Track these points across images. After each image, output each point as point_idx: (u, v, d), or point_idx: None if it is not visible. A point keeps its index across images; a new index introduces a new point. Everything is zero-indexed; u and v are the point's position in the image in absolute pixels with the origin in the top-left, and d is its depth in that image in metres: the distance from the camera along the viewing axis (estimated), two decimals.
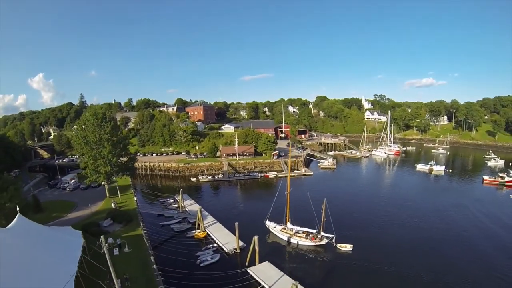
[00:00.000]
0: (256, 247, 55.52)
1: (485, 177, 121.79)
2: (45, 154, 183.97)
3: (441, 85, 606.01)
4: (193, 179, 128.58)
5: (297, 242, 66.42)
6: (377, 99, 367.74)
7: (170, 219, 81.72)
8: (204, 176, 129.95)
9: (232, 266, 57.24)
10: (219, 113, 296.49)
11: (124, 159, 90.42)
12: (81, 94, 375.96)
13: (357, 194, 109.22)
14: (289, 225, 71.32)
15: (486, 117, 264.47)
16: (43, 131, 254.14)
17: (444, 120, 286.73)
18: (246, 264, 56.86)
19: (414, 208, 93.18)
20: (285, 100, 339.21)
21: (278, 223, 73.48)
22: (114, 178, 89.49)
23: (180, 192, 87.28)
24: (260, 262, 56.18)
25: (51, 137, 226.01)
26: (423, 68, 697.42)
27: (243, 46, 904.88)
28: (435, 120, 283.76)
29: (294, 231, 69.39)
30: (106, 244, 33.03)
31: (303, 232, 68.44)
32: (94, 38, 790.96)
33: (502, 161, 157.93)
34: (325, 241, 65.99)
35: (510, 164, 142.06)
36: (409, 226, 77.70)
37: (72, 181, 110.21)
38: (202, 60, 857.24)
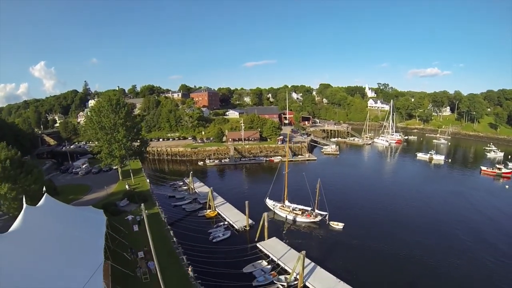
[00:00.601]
0: (266, 223, 60.15)
1: (483, 168, 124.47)
2: (51, 141, 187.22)
3: (446, 76, 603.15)
4: (201, 163, 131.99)
5: (294, 218, 71.80)
6: (381, 87, 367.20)
7: (181, 200, 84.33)
8: (211, 160, 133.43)
9: (242, 241, 61.50)
10: (223, 99, 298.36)
11: (136, 143, 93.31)
12: (85, 81, 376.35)
13: (357, 179, 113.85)
14: (287, 203, 76.93)
15: (489, 109, 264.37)
16: (49, 118, 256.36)
17: (447, 111, 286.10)
18: (256, 239, 60.71)
19: (410, 193, 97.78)
20: (289, 86, 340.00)
21: (277, 201, 78.89)
22: (128, 161, 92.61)
23: (190, 174, 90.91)
24: (268, 237, 60.76)
25: (57, 125, 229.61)
26: (428, 57, 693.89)
27: (246, 32, 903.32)
28: (438, 111, 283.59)
29: (291, 209, 74.65)
30: (146, 211, 36.62)
31: (300, 210, 73.93)
32: (95, 26, 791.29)
33: (502, 153, 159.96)
34: (319, 218, 71.52)
35: (510, 156, 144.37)
36: (402, 209, 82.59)
37: (83, 166, 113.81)
38: (204, 46, 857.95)
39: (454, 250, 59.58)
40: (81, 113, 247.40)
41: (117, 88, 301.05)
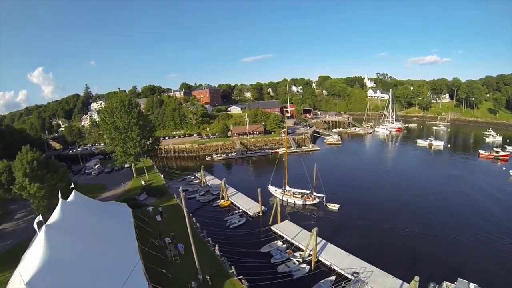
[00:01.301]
0: (278, 207, 64.41)
1: (481, 152, 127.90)
2: (57, 146, 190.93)
3: (445, 63, 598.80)
4: (208, 158, 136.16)
5: (294, 201, 77.60)
6: (380, 77, 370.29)
7: (195, 192, 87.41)
8: (218, 155, 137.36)
9: (257, 225, 66.43)
10: (224, 96, 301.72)
11: (149, 141, 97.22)
12: (86, 85, 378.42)
13: (357, 165, 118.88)
14: (287, 187, 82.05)
15: (488, 95, 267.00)
16: (53, 123, 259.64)
17: (446, 98, 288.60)
18: (269, 223, 65.28)
19: (408, 177, 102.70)
20: (288, 80, 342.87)
21: (279, 186, 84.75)
22: (142, 158, 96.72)
23: (202, 168, 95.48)
24: (281, 221, 65.39)
25: (61, 129, 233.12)
26: (428, 45, 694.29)
27: (243, 27, 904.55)
28: (437, 98, 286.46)
29: (291, 193, 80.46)
30: (184, 193, 41.68)
31: (299, 193, 79.62)
32: (91, 28, 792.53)
33: (500, 138, 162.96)
34: (317, 200, 77.22)
35: (508, 140, 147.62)
36: (400, 192, 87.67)
37: (96, 166, 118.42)
38: (202, 43, 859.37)
39: (450, 225, 64.24)
40: (84, 117, 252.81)
41: (118, 90, 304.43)
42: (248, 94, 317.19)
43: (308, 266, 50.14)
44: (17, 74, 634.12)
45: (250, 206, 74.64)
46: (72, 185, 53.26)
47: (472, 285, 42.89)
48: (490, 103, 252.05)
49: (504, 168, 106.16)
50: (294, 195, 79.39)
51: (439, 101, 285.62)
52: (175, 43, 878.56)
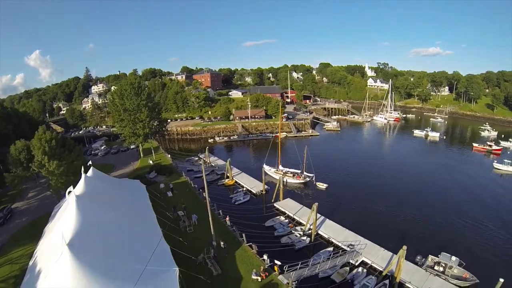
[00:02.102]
0: (281, 186, 70.15)
1: (475, 145, 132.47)
2: (58, 129, 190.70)
3: (448, 55, 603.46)
4: (211, 140, 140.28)
5: (286, 180, 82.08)
6: (381, 67, 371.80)
7: (200, 172, 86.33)
8: (220, 138, 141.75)
9: (261, 202, 71.30)
10: (225, 80, 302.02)
11: (155, 122, 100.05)
12: (86, 68, 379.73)
13: (353, 151, 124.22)
14: (280, 167, 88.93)
15: (487, 90, 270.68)
16: (54, 106, 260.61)
17: (445, 91, 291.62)
18: (272, 200, 70.43)
19: (402, 163, 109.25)
20: (289, 66, 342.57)
21: (272, 166, 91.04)
22: (149, 140, 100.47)
23: (206, 149, 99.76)
24: (283, 198, 70.63)
25: (63, 112, 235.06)
26: (431, 36, 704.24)
27: (244, 11, 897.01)
28: (436, 90, 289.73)
29: (284, 171, 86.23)
30: (202, 159, 48.30)
31: (291, 173, 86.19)
32: (90, 11, 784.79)
33: (496, 133, 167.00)
34: (307, 179, 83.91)
35: (503, 136, 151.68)
36: (390, 176, 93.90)
37: (102, 147, 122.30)
38: (203, 27, 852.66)
39: (438, 207, 70.48)
40: (85, 99, 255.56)
41: (118, 73, 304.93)
42: (248, 79, 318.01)
43: (309, 239, 54.84)
44: (14, 57, 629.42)
45: (254, 185, 79.14)
46: (90, 162, 56.86)
47: (453, 258, 48.09)
48: (488, 98, 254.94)
49: (495, 161, 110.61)
50: (286, 174, 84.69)
51: (438, 93, 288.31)
52: (175, 26, 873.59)
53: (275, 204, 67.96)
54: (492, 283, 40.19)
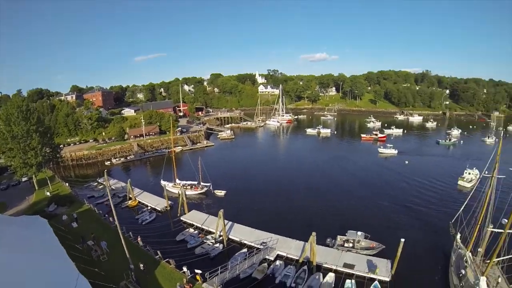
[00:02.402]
0: (184, 199, 73.95)
1: (363, 135, 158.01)
2: None
3: (334, 60, 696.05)
4: (107, 162, 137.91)
5: (182, 192, 79.11)
6: (271, 73, 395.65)
7: (102, 197, 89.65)
8: (117, 159, 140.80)
9: (167, 218, 74.14)
10: (117, 98, 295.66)
11: (48, 150, 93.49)
12: None
13: (249, 156, 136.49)
14: (177, 181, 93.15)
15: (369, 88, 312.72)
16: None
17: (332, 91, 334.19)
18: (178, 215, 73.78)
19: (297, 160, 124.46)
20: (180, 79, 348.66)
21: (169, 180, 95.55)
22: (43, 169, 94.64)
23: (105, 172, 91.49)
24: (189, 211, 74.77)
25: None
26: (318, 43, 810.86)
27: (135, 25, 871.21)
28: (325, 91, 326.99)
29: (181, 184, 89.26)
30: (103, 184, 50.88)
31: (188, 185, 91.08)
32: None
33: (379, 123, 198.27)
34: (205, 189, 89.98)
35: (386, 125, 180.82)
36: (290, 173, 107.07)
37: None
38: (89, 41, 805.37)
39: (336, 193, 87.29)
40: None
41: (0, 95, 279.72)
42: (141, 96, 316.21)
43: (221, 245, 58.83)
44: None
45: (157, 202, 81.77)
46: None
47: (359, 233, 57.94)
48: (371, 94, 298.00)
49: (381, 147, 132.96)
50: (184, 187, 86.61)
51: (327, 94, 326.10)
52: (60, 41, 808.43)
53: (181, 218, 71.58)
54: (395, 244, 47.46)
